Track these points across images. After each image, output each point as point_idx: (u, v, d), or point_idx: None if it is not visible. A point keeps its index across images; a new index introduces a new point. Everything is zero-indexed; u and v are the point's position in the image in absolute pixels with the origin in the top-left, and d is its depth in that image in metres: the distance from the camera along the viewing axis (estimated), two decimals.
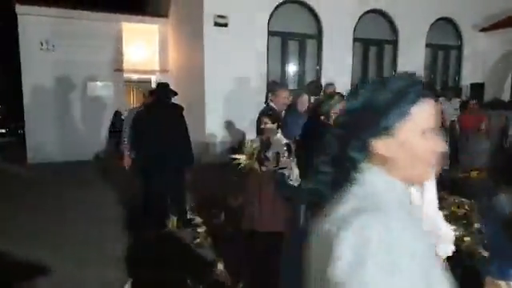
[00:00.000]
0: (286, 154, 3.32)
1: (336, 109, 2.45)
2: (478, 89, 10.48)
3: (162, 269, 3.43)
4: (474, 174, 5.58)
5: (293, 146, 3.36)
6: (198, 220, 4.56)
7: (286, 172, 3.13)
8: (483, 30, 10.83)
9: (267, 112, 3.91)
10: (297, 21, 9.21)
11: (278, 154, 3.30)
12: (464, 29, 10.81)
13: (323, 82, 9.20)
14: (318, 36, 9.34)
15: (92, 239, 4.23)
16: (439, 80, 11.10)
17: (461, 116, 6.63)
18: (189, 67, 9.49)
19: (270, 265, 3.46)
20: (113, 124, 9.99)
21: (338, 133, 0.94)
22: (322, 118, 2.47)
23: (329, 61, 9.36)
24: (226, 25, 8.35)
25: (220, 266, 3.45)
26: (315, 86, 6.64)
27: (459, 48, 11.00)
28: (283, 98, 4.34)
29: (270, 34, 8.87)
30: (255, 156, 3.60)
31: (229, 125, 8.77)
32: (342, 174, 0.90)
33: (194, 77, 9.02)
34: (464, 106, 6.80)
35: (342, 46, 9.44)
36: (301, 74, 9.50)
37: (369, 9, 9.60)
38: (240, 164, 3.64)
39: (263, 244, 3.81)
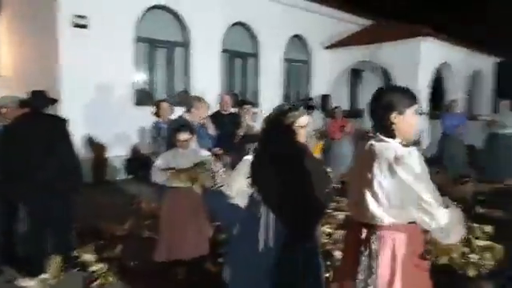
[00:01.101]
0: (222, 171, 3.03)
1: (301, 122, 2.30)
2: (325, 100, 11.82)
3: None
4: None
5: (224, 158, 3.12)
6: (88, 257, 3.76)
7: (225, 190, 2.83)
8: (327, 47, 12.33)
9: (182, 124, 3.55)
10: (165, 28, 8.78)
11: (212, 172, 2.99)
12: (312, 46, 12.09)
13: (192, 92, 9.03)
14: (187, 45, 9.09)
15: None
16: (294, 91, 12.14)
17: (329, 122, 7.35)
18: (35, 73, 7.98)
19: None
20: None
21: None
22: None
23: (198, 71, 9.20)
24: (85, 26, 7.34)
25: None
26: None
27: (309, 63, 12.25)
28: (203, 111, 4.12)
29: (137, 39, 8.21)
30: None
31: (90, 140, 7.72)
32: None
33: (43, 84, 7.61)
34: (331, 113, 7.58)
35: (210, 56, 9.40)
36: (169, 84, 9.07)
37: (235, 21, 9.83)
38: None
39: (186, 273, 3.39)
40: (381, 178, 1.67)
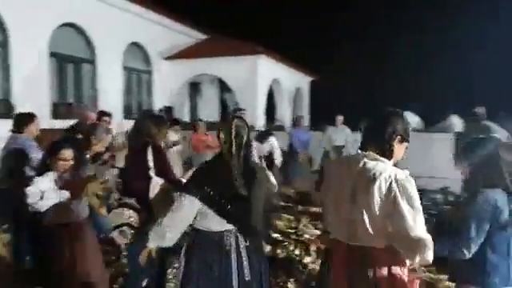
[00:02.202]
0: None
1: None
2: (169, 112, 11.53)
3: None
4: None
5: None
6: None
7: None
8: (167, 58, 12.06)
9: (67, 139, 2.83)
10: None
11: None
12: (152, 55, 11.64)
13: (14, 100, 7.58)
14: (4, 44, 7.48)
15: None
16: (135, 102, 11.44)
17: (194, 134, 7.01)
18: None
19: None
20: None
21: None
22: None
23: (20, 75, 7.67)
24: None
25: None
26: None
27: (150, 73, 11.75)
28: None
29: None
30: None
31: None
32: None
33: None
34: (193, 127, 7.24)
35: (35, 59, 7.97)
36: None
37: (64, 22, 8.60)
38: None
39: None
40: (379, 199, 1.62)
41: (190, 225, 2.21)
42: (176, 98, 12.64)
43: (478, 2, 20.84)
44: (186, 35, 12.85)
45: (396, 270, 1.67)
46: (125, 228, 2.60)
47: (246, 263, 2.03)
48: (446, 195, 6.04)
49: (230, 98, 16.50)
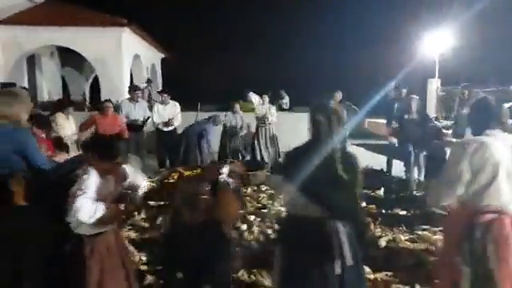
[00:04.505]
0: None
1: None
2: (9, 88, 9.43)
3: None
4: None
5: None
6: None
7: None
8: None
9: None
10: None
11: None
12: None
13: None
14: None
15: None
16: None
17: (99, 117, 5.90)
18: None
19: None
20: None
21: None
22: None
23: None
24: None
25: None
26: None
27: None
28: None
29: None
30: None
31: None
32: None
33: None
34: (101, 107, 6.10)
35: None
36: None
37: None
38: None
39: None
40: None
41: (287, 212, 2.14)
42: (12, 73, 10.39)
43: None
44: None
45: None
46: None
47: (347, 248, 1.97)
48: None
49: (70, 73, 14.55)
